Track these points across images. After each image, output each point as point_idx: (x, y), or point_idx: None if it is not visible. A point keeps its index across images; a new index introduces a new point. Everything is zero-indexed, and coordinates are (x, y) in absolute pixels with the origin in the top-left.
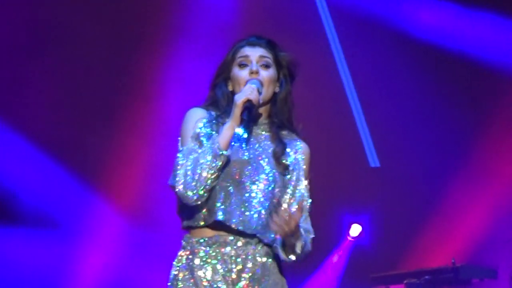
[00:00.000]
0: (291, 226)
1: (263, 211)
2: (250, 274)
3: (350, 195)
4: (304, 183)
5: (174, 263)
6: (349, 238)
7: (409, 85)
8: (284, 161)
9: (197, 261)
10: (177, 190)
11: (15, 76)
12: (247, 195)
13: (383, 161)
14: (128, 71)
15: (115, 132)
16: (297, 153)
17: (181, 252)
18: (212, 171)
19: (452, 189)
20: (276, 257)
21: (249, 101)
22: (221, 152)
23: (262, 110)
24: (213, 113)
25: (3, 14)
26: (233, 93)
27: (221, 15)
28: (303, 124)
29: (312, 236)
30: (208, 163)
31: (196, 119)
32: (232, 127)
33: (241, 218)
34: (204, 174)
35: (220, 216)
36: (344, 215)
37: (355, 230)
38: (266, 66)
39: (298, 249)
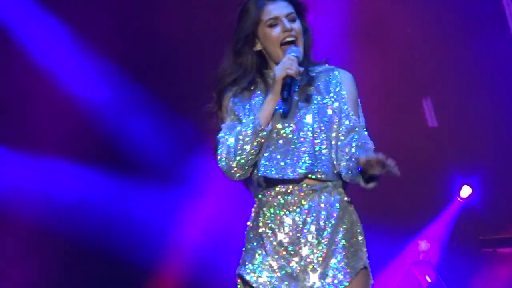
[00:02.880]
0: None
1: (315, 148)
2: (315, 222)
3: (462, 156)
4: (349, 107)
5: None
6: (459, 199)
7: None
8: (309, 92)
9: (263, 213)
10: (220, 166)
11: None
12: (293, 143)
13: (496, 122)
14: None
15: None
16: (336, 83)
17: (253, 208)
18: (254, 148)
19: None
20: (344, 201)
21: (288, 76)
22: (261, 128)
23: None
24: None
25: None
26: (261, 53)
27: None
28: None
29: (371, 147)
30: (249, 139)
31: (226, 99)
32: (274, 101)
33: (282, 164)
34: (247, 150)
35: (261, 171)
36: (455, 176)
37: (466, 191)
38: (294, 20)
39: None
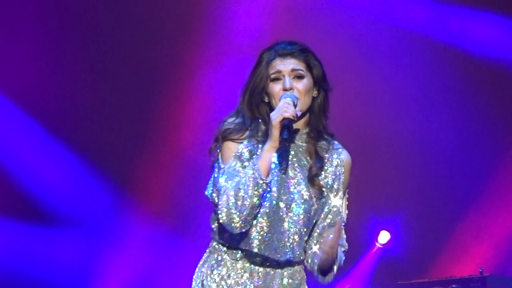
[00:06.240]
0: (333, 255)
1: (297, 237)
2: None
3: (380, 202)
4: (340, 198)
5: (199, 264)
6: (378, 245)
7: (439, 89)
8: (319, 182)
9: (222, 270)
10: (220, 217)
11: (46, 74)
12: (283, 221)
13: (414, 168)
14: (160, 78)
15: (146, 136)
16: (338, 165)
17: (206, 256)
18: (254, 200)
19: (482, 198)
20: (302, 276)
21: (285, 119)
22: (262, 181)
23: (301, 121)
24: (252, 141)
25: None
26: (270, 107)
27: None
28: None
29: (345, 249)
30: (250, 192)
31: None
32: (272, 149)
33: (274, 247)
34: (246, 203)
35: (255, 247)
36: (373, 221)
37: (384, 237)
38: (299, 78)
39: (335, 270)
